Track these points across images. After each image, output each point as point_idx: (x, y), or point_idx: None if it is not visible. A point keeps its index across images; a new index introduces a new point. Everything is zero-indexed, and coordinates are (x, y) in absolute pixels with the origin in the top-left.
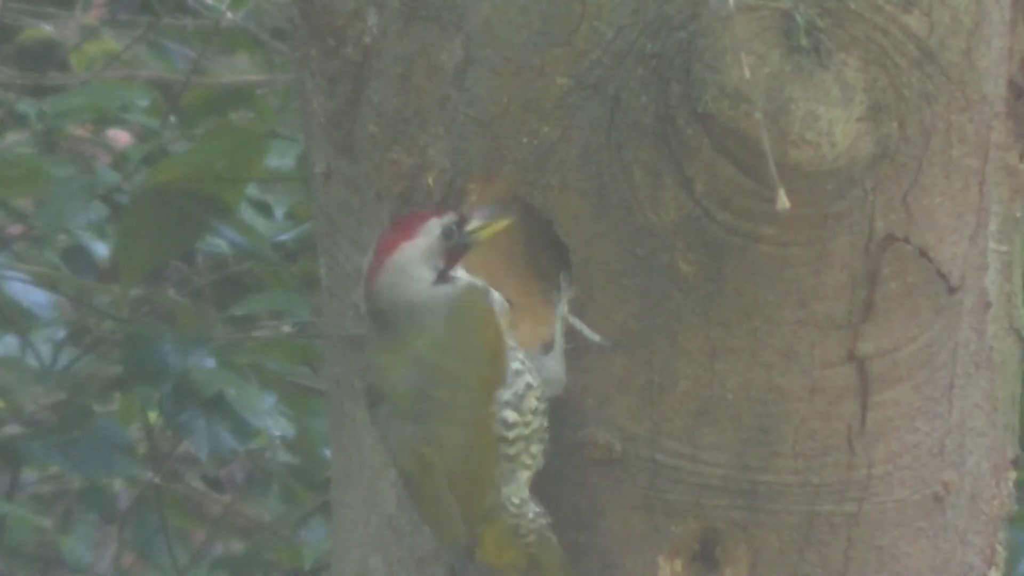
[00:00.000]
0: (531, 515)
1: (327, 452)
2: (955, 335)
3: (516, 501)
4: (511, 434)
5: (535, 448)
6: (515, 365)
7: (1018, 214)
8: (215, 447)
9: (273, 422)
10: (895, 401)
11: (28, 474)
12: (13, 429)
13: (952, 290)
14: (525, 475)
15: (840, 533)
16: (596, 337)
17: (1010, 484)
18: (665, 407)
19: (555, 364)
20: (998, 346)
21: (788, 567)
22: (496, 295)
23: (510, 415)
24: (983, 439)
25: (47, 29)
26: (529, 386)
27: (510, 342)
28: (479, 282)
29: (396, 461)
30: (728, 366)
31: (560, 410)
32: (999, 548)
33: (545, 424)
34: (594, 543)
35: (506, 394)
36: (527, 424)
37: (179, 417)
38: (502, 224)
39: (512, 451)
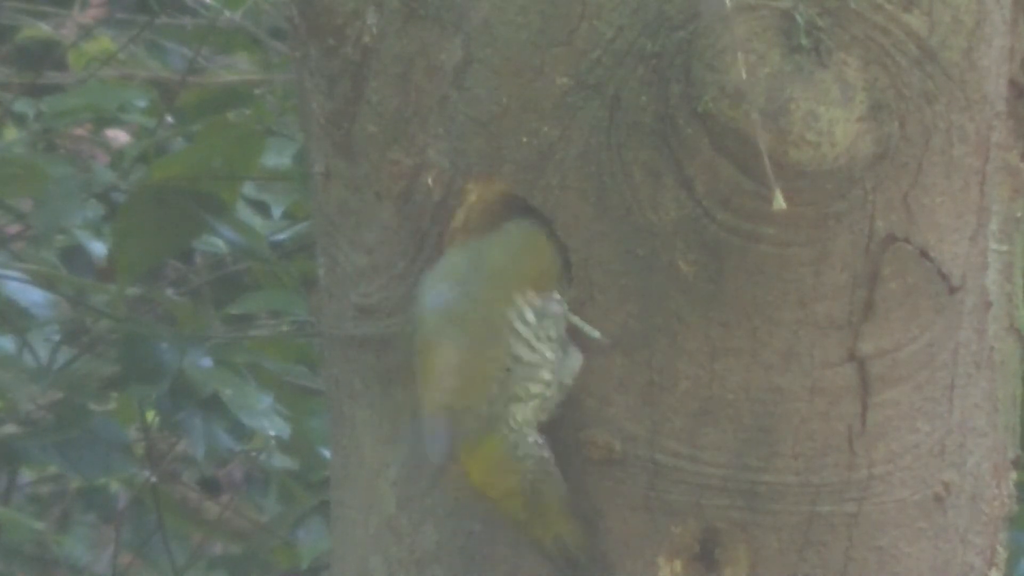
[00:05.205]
0: (531, 439)
1: (325, 452)
2: (956, 335)
3: (519, 418)
4: (526, 334)
5: (546, 376)
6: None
7: (1019, 214)
8: (212, 447)
9: (270, 422)
10: (895, 401)
11: (25, 474)
12: (10, 429)
13: (953, 290)
14: (534, 400)
15: (840, 533)
16: (596, 333)
17: (1011, 484)
18: (665, 407)
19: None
20: (999, 346)
21: (788, 567)
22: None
23: (528, 326)
24: (984, 439)
25: (44, 28)
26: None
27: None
28: None
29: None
30: (728, 366)
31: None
32: (1000, 548)
33: (552, 395)
34: (594, 543)
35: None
36: (537, 351)
37: (176, 417)
38: None
39: (524, 354)
